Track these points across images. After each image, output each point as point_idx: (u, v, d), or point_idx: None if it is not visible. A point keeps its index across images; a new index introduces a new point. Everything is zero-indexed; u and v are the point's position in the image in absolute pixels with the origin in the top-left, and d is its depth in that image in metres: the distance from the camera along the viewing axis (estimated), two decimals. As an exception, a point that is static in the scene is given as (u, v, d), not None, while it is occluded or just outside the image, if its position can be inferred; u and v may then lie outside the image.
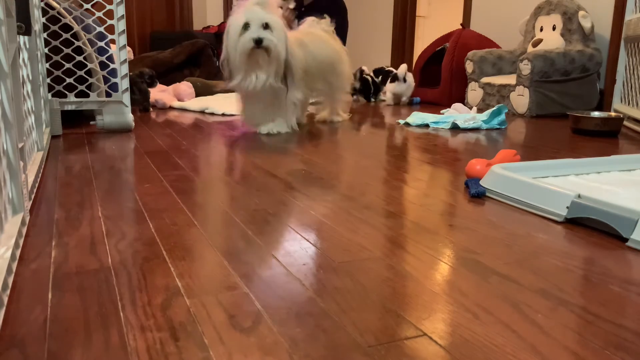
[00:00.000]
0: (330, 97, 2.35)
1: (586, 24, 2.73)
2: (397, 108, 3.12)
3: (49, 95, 1.88)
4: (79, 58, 1.91)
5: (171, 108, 2.91)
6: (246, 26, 1.81)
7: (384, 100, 3.50)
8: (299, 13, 3.81)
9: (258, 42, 1.80)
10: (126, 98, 1.94)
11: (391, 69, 3.48)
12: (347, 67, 2.31)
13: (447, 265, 0.76)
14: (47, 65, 1.87)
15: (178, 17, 5.05)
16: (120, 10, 1.84)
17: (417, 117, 2.38)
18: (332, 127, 2.23)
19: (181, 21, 5.06)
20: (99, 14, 1.93)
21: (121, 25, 1.86)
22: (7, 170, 0.82)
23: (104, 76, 1.98)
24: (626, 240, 0.86)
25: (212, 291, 0.66)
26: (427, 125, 2.31)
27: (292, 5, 3.83)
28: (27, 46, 1.50)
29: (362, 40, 4.87)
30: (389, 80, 3.32)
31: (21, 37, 1.37)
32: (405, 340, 0.56)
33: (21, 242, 0.81)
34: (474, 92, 3.15)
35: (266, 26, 1.82)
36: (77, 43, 1.90)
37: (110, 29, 1.91)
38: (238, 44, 1.81)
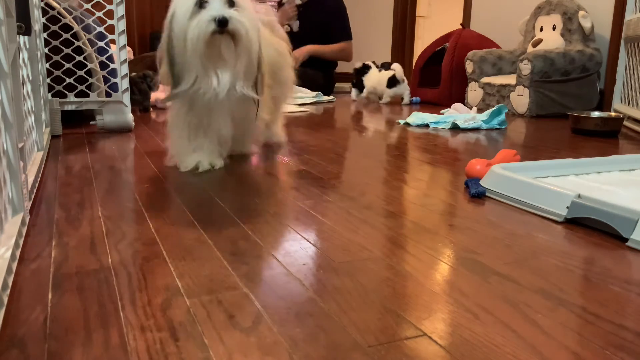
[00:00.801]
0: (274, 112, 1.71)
1: (586, 24, 2.73)
2: (397, 108, 3.12)
3: (49, 95, 1.88)
4: (79, 58, 1.91)
5: (171, 108, 2.91)
6: (202, 4, 1.23)
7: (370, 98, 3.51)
8: (297, 11, 3.76)
9: (222, 22, 1.21)
10: (126, 98, 1.94)
11: (369, 63, 3.47)
12: (292, 70, 1.67)
13: (447, 265, 0.76)
14: (47, 65, 1.87)
15: (178, 17, 5.05)
16: (120, 10, 1.85)
17: (417, 117, 2.38)
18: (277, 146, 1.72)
19: (181, 21, 5.05)
20: (99, 14, 1.93)
21: (121, 25, 1.86)
22: (7, 170, 0.82)
23: (104, 76, 1.98)
24: (626, 240, 0.86)
25: (212, 291, 0.66)
26: (427, 125, 2.31)
27: (299, 1, 3.74)
28: (27, 46, 1.50)
29: (362, 41, 4.87)
30: (387, 84, 3.32)
31: (21, 37, 1.37)
32: (405, 340, 0.56)
33: (21, 242, 0.81)
34: (474, 92, 3.15)
35: (231, 4, 1.25)
36: (77, 43, 1.90)
37: (110, 29, 1.91)
38: (190, 29, 1.22)
